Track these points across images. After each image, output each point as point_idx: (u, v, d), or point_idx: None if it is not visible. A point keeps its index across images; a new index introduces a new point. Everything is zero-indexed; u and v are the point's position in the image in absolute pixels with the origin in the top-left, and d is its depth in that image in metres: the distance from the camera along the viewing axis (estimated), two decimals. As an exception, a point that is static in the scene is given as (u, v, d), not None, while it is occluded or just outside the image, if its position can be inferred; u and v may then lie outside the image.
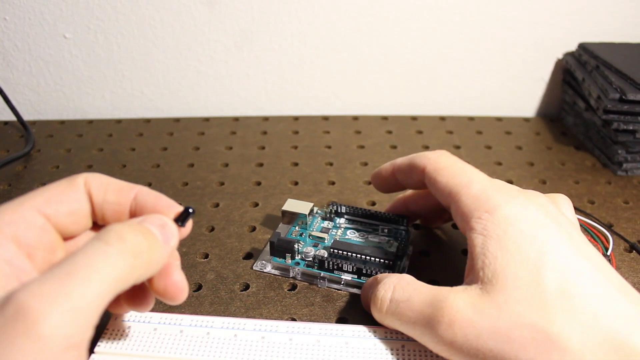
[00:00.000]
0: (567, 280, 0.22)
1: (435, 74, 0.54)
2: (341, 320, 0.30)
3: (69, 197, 0.22)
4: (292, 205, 0.35)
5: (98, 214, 0.23)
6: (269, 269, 0.33)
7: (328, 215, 0.36)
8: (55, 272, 0.18)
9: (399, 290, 0.26)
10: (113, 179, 0.24)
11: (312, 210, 0.35)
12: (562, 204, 0.28)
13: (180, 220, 0.24)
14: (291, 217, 0.35)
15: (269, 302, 0.31)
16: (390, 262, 0.31)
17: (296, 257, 0.33)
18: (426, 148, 0.49)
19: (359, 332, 0.28)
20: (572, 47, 0.53)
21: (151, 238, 0.21)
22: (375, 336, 0.28)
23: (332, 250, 0.32)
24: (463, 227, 0.26)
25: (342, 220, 0.36)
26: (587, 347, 0.21)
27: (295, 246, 0.32)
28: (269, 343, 0.27)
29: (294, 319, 0.30)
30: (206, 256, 0.35)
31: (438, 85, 0.55)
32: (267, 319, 0.30)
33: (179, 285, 0.23)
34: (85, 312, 0.18)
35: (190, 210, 0.24)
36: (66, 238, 0.23)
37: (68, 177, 0.23)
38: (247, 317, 0.30)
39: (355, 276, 0.31)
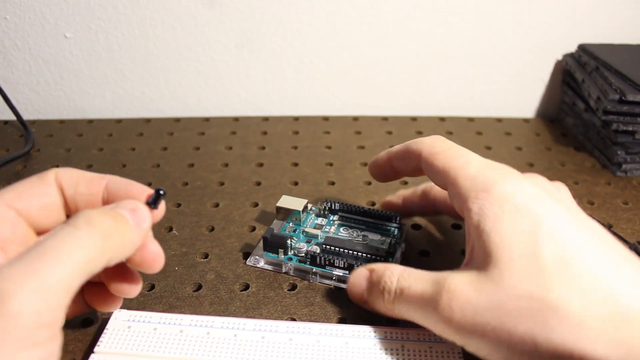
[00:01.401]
0: (564, 249, 0.22)
1: (435, 74, 0.54)
2: (341, 320, 0.30)
3: (39, 191, 0.23)
4: (287, 201, 0.35)
5: (71, 207, 0.24)
6: (262, 264, 0.33)
7: (322, 212, 0.36)
8: (24, 256, 0.18)
9: (403, 279, 0.26)
10: (83, 172, 0.24)
11: (306, 207, 0.36)
12: (561, 189, 0.28)
13: (152, 202, 0.24)
14: (285, 214, 0.35)
15: (268, 302, 0.31)
16: (382, 259, 0.31)
17: (289, 253, 0.33)
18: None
19: (359, 332, 0.28)
20: (572, 48, 0.53)
21: (121, 221, 0.22)
22: (375, 336, 0.28)
23: (324, 246, 0.32)
24: (461, 208, 0.26)
25: (335, 217, 0.36)
26: (586, 310, 0.21)
27: (288, 242, 0.33)
28: (268, 343, 0.27)
29: (293, 319, 0.30)
30: (206, 256, 0.35)
31: (438, 86, 0.55)
32: (267, 319, 0.30)
33: (154, 253, 0.24)
34: (55, 291, 0.18)
35: (161, 192, 0.24)
36: (40, 232, 0.24)
37: (39, 173, 0.24)
38: (247, 317, 0.30)
39: (347, 272, 0.32)
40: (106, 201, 0.24)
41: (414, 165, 0.30)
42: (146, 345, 0.27)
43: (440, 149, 0.28)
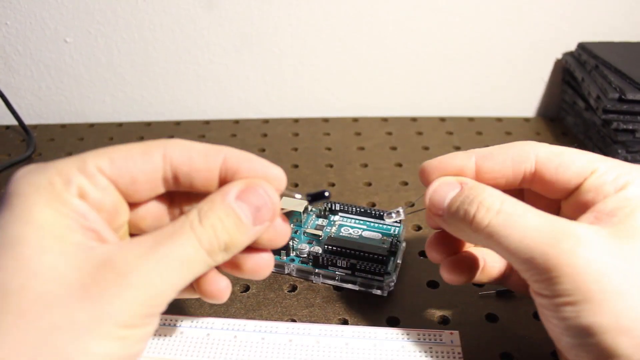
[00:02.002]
0: None
1: (435, 74, 0.54)
2: (341, 321, 0.30)
3: (135, 165, 0.21)
4: (287, 203, 0.35)
5: (184, 182, 0.22)
6: None
7: (322, 213, 0.36)
8: (150, 247, 0.19)
9: (511, 204, 0.22)
10: (196, 144, 0.22)
11: (306, 208, 0.36)
12: None
13: (311, 198, 0.23)
14: (286, 215, 0.35)
15: (269, 304, 0.31)
16: (384, 258, 0.31)
17: (291, 254, 0.33)
18: (426, 149, 0.49)
19: (359, 333, 0.28)
20: (572, 46, 0.53)
21: (240, 229, 0.21)
22: (375, 337, 0.28)
23: (326, 246, 0.32)
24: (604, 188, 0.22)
25: (336, 218, 0.36)
26: None
27: (290, 243, 0.33)
28: (268, 344, 0.27)
29: (293, 320, 0.30)
30: (206, 258, 0.35)
31: (438, 86, 0.55)
32: (267, 320, 0.30)
33: (266, 263, 0.23)
34: (168, 292, 0.20)
35: (326, 194, 0.23)
36: (133, 203, 0.22)
37: (145, 143, 0.22)
38: (247, 318, 0.30)
39: (350, 272, 0.32)
40: (224, 179, 0.22)
41: (516, 173, 0.24)
42: (147, 347, 0.27)
43: (561, 150, 0.24)
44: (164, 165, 0.22)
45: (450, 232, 0.24)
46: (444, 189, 0.24)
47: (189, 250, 0.20)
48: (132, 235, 0.24)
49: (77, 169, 0.20)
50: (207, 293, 0.23)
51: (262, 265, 0.23)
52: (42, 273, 0.18)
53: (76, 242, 0.19)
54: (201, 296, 0.23)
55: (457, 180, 0.24)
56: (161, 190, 0.22)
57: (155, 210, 0.24)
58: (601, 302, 0.19)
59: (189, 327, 0.28)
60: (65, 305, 0.18)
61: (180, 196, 0.24)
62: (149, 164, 0.21)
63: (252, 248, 0.23)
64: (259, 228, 0.22)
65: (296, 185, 0.43)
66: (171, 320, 0.28)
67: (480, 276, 0.26)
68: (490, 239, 0.22)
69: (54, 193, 0.19)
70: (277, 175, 0.22)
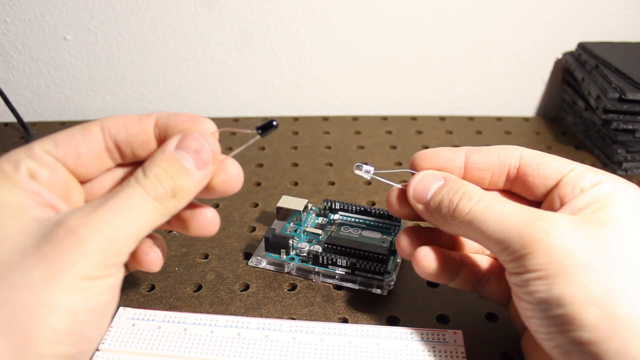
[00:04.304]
0: None
1: (434, 74, 0.54)
2: (341, 320, 0.30)
3: (77, 141, 0.23)
4: (287, 201, 0.35)
5: (127, 152, 0.24)
6: (264, 264, 0.33)
7: (322, 212, 0.36)
8: (98, 204, 0.21)
9: (491, 194, 0.24)
10: (128, 115, 0.24)
11: (306, 207, 0.36)
12: None
13: (261, 130, 0.24)
14: (286, 214, 0.35)
15: (268, 303, 0.31)
16: (384, 257, 0.31)
17: (291, 253, 0.33)
18: (426, 148, 0.48)
19: (362, 332, 0.28)
20: (572, 46, 0.53)
21: (184, 174, 0.22)
22: (378, 335, 0.28)
23: (326, 245, 0.32)
24: (575, 180, 0.24)
25: (336, 217, 0.36)
26: None
27: (290, 242, 0.33)
28: (272, 342, 0.27)
29: (293, 319, 0.30)
30: (206, 256, 0.35)
31: (438, 85, 0.55)
32: (267, 318, 0.30)
33: (234, 178, 0.24)
34: (122, 241, 0.21)
35: (274, 123, 0.24)
36: (84, 180, 0.24)
37: (83, 123, 0.24)
38: (247, 317, 0.30)
39: (349, 271, 0.32)
40: (160, 138, 0.23)
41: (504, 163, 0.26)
42: (150, 343, 0.27)
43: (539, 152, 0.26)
44: (103, 137, 0.23)
45: (428, 220, 0.26)
46: (428, 180, 0.26)
47: (136, 199, 0.21)
48: None
49: (24, 154, 0.22)
50: (140, 260, 0.24)
51: (207, 222, 0.24)
52: (0, 245, 0.20)
53: (33, 216, 0.21)
54: (135, 263, 0.24)
55: (442, 174, 0.26)
56: (109, 163, 0.24)
57: (107, 184, 0.25)
58: (571, 274, 0.20)
59: (192, 324, 0.28)
60: (22, 266, 0.19)
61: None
62: (88, 137, 0.23)
63: (197, 205, 0.24)
64: (203, 172, 0.22)
65: (296, 184, 0.43)
66: (175, 317, 0.28)
67: (457, 280, 0.27)
68: (469, 225, 0.23)
69: (5, 177, 0.21)
70: (205, 122, 0.24)
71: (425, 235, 0.27)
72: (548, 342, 0.22)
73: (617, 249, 0.21)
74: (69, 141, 0.23)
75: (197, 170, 0.22)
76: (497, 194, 0.26)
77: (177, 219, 0.24)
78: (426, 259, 0.26)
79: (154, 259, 0.24)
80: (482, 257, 0.28)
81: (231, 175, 0.24)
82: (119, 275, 0.21)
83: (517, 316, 0.26)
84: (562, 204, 0.24)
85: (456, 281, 0.27)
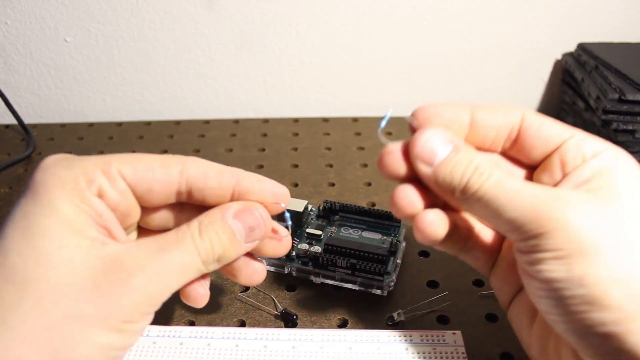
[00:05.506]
0: None
1: (435, 75, 0.54)
2: (341, 321, 0.30)
3: (154, 176, 0.23)
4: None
5: (196, 197, 0.24)
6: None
7: (322, 213, 0.36)
8: (155, 252, 0.21)
9: (499, 170, 0.22)
10: (212, 163, 0.24)
11: (306, 208, 0.36)
12: None
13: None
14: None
15: (269, 304, 0.31)
16: (384, 258, 0.31)
17: (291, 254, 0.33)
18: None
19: (362, 337, 0.28)
20: (571, 47, 0.53)
21: (234, 245, 0.23)
22: (378, 340, 0.27)
23: (326, 246, 0.32)
24: (578, 151, 0.23)
25: (336, 218, 0.36)
26: None
27: None
28: (271, 352, 0.27)
29: (294, 318, 0.30)
30: (206, 258, 0.35)
31: (438, 86, 0.55)
32: (267, 320, 0.30)
33: (259, 274, 0.25)
34: (167, 294, 0.22)
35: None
36: (145, 206, 0.24)
37: (165, 156, 0.24)
38: (247, 317, 0.30)
39: (349, 272, 0.32)
40: (236, 198, 0.24)
41: (502, 128, 0.24)
42: (146, 359, 0.27)
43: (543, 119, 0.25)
44: (179, 179, 0.23)
45: (431, 187, 0.23)
46: (436, 140, 0.23)
47: (188, 258, 0.22)
48: (139, 227, 0.25)
49: (100, 170, 0.22)
50: (189, 297, 0.24)
51: (255, 274, 0.25)
52: (59, 265, 0.20)
53: (91, 237, 0.21)
54: (182, 297, 0.24)
55: (450, 135, 0.23)
56: (173, 200, 0.24)
57: (164, 213, 0.25)
58: (595, 254, 0.20)
59: (188, 338, 0.28)
60: (77, 298, 0.20)
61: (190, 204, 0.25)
62: (166, 176, 0.23)
63: (251, 255, 0.25)
64: (249, 245, 0.24)
65: (296, 185, 0.43)
66: (170, 332, 0.28)
67: (447, 244, 0.25)
68: (479, 202, 0.22)
69: (77, 190, 0.21)
70: (284, 194, 0.25)
71: (422, 193, 0.24)
72: (563, 324, 0.21)
73: (633, 227, 0.20)
74: (146, 173, 0.23)
75: (245, 243, 0.23)
76: (498, 162, 0.25)
77: (228, 267, 0.25)
78: (433, 225, 0.23)
79: (203, 295, 0.24)
80: (469, 219, 0.26)
81: (282, 245, 0.26)
82: (149, 320, 0.22)
83: (500, 286, 0.25)
84: (563, 171, 0.23)
85: (446, 244, 0.25)
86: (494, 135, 0.25)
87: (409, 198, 0.24)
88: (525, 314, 0.24)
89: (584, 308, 0.20)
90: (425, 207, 0.24)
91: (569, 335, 0.21)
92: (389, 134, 0.51)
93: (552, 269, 0.20)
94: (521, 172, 0.25)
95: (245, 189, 0.24)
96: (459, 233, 0.25)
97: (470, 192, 0.22)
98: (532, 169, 0.25)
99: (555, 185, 0.23)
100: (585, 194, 0.21)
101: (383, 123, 0.26)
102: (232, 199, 0.24)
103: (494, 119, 0.24)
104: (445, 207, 0.25)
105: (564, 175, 0.23)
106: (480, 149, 0.25)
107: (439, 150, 0.23)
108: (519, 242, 0.21)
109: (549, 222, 0.20)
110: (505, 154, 0.26)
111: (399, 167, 0.24)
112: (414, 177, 0.24)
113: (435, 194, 0.24)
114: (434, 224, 0.23)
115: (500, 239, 0.26)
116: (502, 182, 0.21)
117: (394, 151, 0.24)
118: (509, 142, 0.25)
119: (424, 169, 0.23)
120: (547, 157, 0.24)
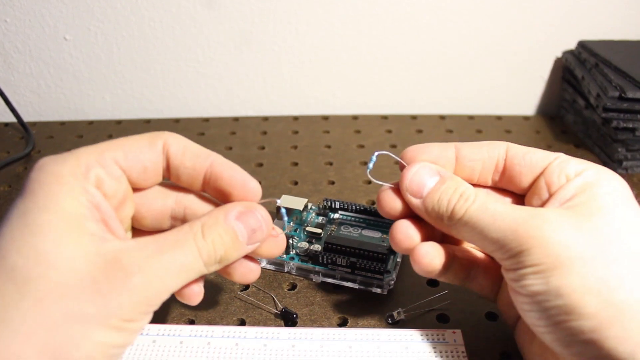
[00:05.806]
0: None
1: (434, 72, 0.54)
2: (341, 319, 0.30)
3: (145, 156, 0.23)
4: (287, 201, 0.35)
5: (173, 174, 0.24)
6: (264, 264, 0.33)
7: (322, 211, 0.36)
8: (156, 251, 0.21)
9: (483, 193, 0.24)
10: (191, 143, 0.24)
11: (306, 206, 0.36)
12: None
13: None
14: (286, 212, 0.35)
15: (269, 302, 0.31)
16: (384, 256, 0.31)
17: (291, 252, 0.33)
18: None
19: (362, 336, 0.28)
20: (572, 45, 0.52)
21: (236, 247, 0.23)
22: (378, 338, 0.27)
23: (326, 245, 0.32)
24: (560, 172, 0.24)
25: (336, 216, 0.36)
26: None
27: (290, 241, 0.33)
28: (271, 351, 0.27)
29: (293, 316, 0.30)
30: (206, 256, 0.35)
31: (438, 84, 0.55)
32: (267, 318, 0.30)
33: (254, 273, 0.25)
34: (166, 294, 0.22)
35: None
36: (135, 189, 0.24)
37: (149, 135, 0.24)
38: (247, 316, 0.30)
39: (349, 270, 0.32)
40: (207, 181, 0.24)
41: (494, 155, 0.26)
42: (145, 358, 0.26)
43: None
44: (163, 155, 0.24)
45: (422, 216, 0.25)
46: (424, 173, 0.25)
47: (190, 259, 0.22)
48: (133, 229, 0.26)
49: (95, 160, 0.22)
50: (184, 295, 0.24)
51: (250, 273, 0.25)
52: (59, 264, 0.20)
53: (90, 232, 0.21)
54: (177, 295, 0.24)
55: (436, 168, 0.25)
56: (160, 178, 0.25)
57: (157, 211, 0.25)
58: (569, 266, 0.21)
59: (188, 336, 0.28)
60: (77, 297, 0.20)
61: (180, 202, 0.26)
62: (154, 153, 0.24)
63: (247, 256, 0.25)
64: (251, 247, 0.24)
65: (296, 183, 0.43)
66: (169, 330, 0.28)
67: (448, 275, 0.26)
68: (465, 226, 0.23)
69: (75, 182, 0.21)
70: (254, 187, 0.25)
71: (419, 227, 0.26)
72: (548, 335, 0.22)
73: (610, 238, 0.21)
74: (137, 155, 0.23)
75: (246, 245, 0.24)
76: (487, 193, 0.26)
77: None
78: (428, 256, 0.25)
79: (197, 293, 0.24)
80: (470, 250, 0.28)
81: (278, 244, 0.26)
82: (148, 319, 0.22)
83: (506, 310, 0.26)
84: (549, 192, 0.24)
85: (447, 275, 0.26)
86: (480, 168, 0.26)
87: (405, 232, 0.25)
88: (526, 332, 0.25)
89: (564, 318, 0.21)
90: (422, 241, 0.25)
91: (556, 346, 0.22)
92: (389, 132, 0.51)
93: (533, 283, 0.21)
94: (511, 201, 0.26)
95: (216, 174, 0.24)
96: (460, 263, 0.26)
97: (457, 218, 0.24)
98: (523, 198, 0.26)
99: (542, 205, 0.24)
100: (564, 210, 0.23)
101: (371, 165, 0.28)
102: (203, 182, 0.24)
103: (478, 153, 0.26)
104: (444, 240, 0.27)
105: (550, 196, 0.24)
106: (470, 184, 0.25)
107: (427, 182, 0.25)
108: (504, 260, 0.23)
109: (529, 240, 0.21)
110: (495, 187, 0.27)
111: (395, 204, 0.26)
112: (411, 214, 0.26)
113: (432, 228, 0.26)
114: (429, 255, 0.25)
115: (500, 265, 0.27)
116: (485, 206, 0.23)
117: (387, 190, 0.26)
118: (497, 174, 0.26)
119: (413, 201, 0.25)
120: (534, 182, 0.25)
